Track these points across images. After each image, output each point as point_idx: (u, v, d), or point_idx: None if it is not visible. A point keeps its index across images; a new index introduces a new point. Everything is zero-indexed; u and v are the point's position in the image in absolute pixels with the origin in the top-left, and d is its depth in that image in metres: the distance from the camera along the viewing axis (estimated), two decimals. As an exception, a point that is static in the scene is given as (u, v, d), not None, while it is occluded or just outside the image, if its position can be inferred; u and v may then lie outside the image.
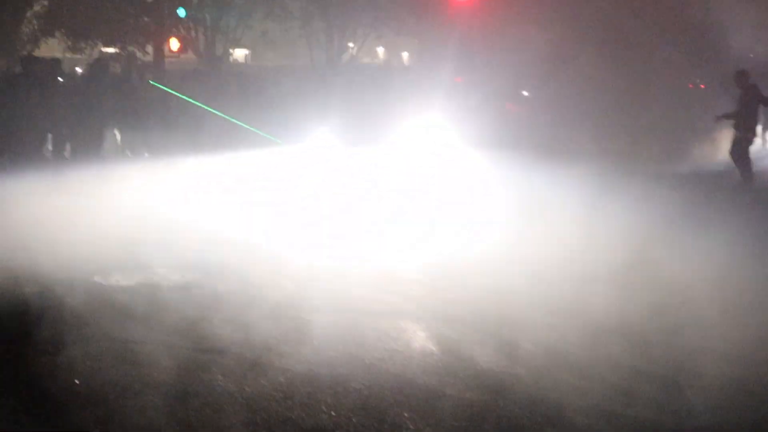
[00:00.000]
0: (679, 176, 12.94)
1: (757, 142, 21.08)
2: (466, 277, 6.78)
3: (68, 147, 13.55)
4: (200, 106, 13.79)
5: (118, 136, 14.99)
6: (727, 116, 13.89)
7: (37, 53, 19.19)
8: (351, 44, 27.50)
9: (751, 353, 5.06)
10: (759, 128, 21.51)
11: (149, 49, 20.36)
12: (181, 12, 19.91)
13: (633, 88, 21.81)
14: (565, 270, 6.78)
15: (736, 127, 13.79)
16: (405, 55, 35.06)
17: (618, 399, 4.34)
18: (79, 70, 17.36)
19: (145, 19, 20.23)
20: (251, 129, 14.04)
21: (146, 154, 15.86)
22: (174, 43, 19.28)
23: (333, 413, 4.07)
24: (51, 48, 21.86)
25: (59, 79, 14.03)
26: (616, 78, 22.62)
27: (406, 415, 4.07)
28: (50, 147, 13.49)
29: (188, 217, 8.51)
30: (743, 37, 24.96)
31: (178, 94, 14.19)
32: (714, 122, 14.23)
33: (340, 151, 13.13)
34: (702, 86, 24.28)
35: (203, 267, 6.75)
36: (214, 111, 13.83)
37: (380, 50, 37.44)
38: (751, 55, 25.48)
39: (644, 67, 23.98)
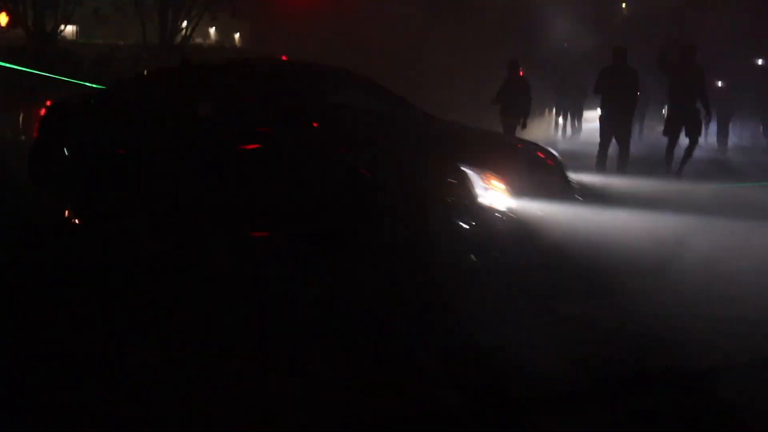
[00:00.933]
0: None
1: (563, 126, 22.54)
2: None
3: None
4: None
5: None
6: (495, 100, 15.09)
7: None
8: (185, 23, 27.28)
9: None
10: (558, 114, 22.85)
11: (-26, 22, 19.57)
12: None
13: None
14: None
15: (504, 112, 14.98)
16: (237, 36, 35.12)
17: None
18: None
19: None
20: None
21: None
22: (2, 18, 18.67)
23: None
24: None
25: None
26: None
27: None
28: None
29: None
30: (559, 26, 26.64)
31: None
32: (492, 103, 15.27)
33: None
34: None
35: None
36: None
37: (212, 31, 37.24)
38: (566, 45, 27.33)
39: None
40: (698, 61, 13.27)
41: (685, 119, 13.07)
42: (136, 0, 24.87)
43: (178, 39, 26.52)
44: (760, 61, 25.54)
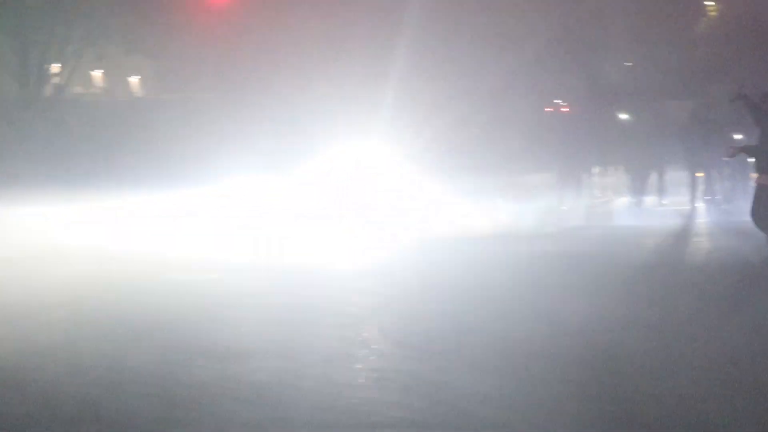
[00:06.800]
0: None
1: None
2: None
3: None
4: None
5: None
6: None
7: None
8: (58, 66, 19.61)
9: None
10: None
11: None
12: None
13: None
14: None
15: None
16: (134, 80, 26.66)
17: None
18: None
19: None
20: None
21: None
22: None
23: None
24: None
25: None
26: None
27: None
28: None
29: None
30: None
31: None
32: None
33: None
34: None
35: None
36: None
37: (97, 74, 28.53)
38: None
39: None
40: None
41: None
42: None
43: (48, 89, 19.00)
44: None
